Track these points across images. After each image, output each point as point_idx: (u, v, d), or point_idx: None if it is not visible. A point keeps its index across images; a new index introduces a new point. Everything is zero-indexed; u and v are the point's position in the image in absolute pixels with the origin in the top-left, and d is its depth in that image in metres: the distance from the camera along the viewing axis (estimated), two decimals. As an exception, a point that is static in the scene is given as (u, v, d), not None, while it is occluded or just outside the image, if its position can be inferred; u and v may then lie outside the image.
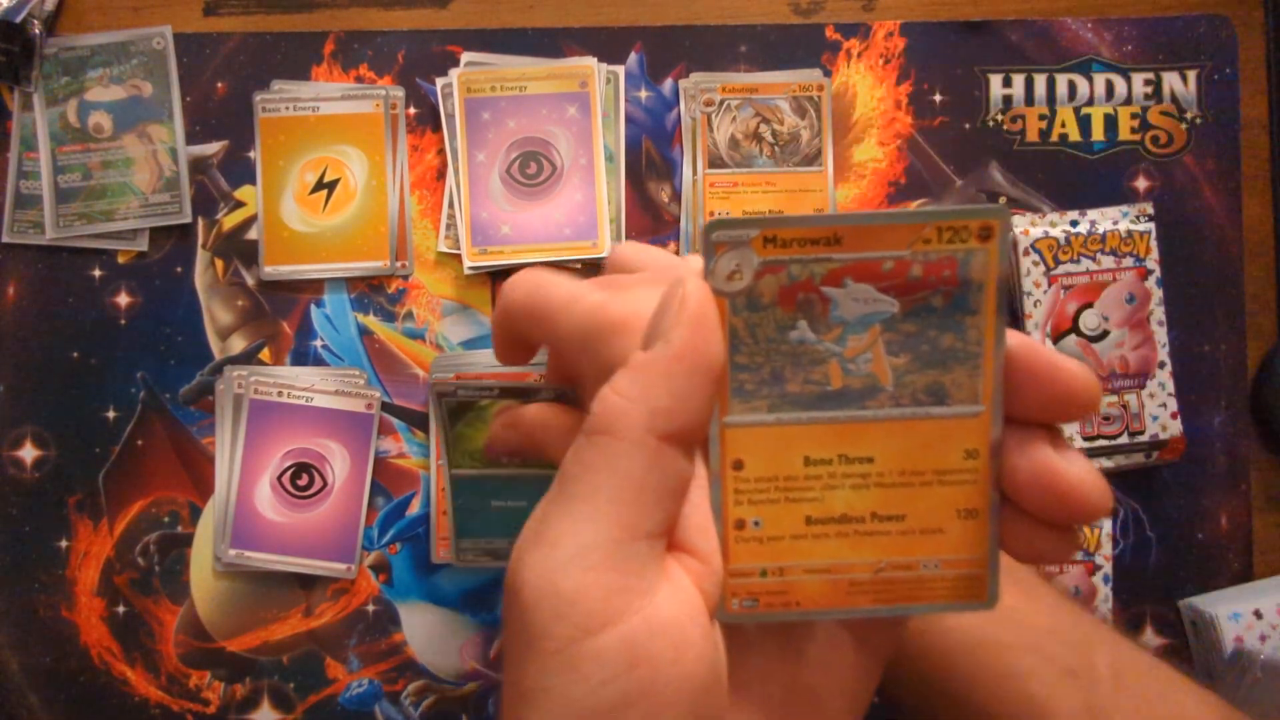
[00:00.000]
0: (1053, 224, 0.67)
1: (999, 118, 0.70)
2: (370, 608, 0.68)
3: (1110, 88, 0.70)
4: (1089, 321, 0.67)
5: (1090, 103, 0.70)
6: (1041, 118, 0.70)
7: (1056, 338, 0.67)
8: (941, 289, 0.24)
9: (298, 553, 0.67)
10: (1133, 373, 0.67)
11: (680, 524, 0.23)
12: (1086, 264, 0.67)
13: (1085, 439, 0.67)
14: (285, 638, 0.68)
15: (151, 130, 0.69)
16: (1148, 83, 0.70)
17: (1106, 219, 0.68)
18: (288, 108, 0.69)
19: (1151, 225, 0.68)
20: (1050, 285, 0.67)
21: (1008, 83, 0.70)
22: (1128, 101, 0.70)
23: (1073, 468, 0.23)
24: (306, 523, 0.67)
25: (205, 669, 0.68)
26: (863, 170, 0.70)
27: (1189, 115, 0.70)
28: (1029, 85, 0.70)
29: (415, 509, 0.68)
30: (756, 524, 0.24)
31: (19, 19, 0.66)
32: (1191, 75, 0.70)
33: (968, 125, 0.70)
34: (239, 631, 0.68)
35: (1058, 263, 0.67)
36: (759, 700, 0.25)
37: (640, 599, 0.22)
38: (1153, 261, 0.67)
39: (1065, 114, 0.70)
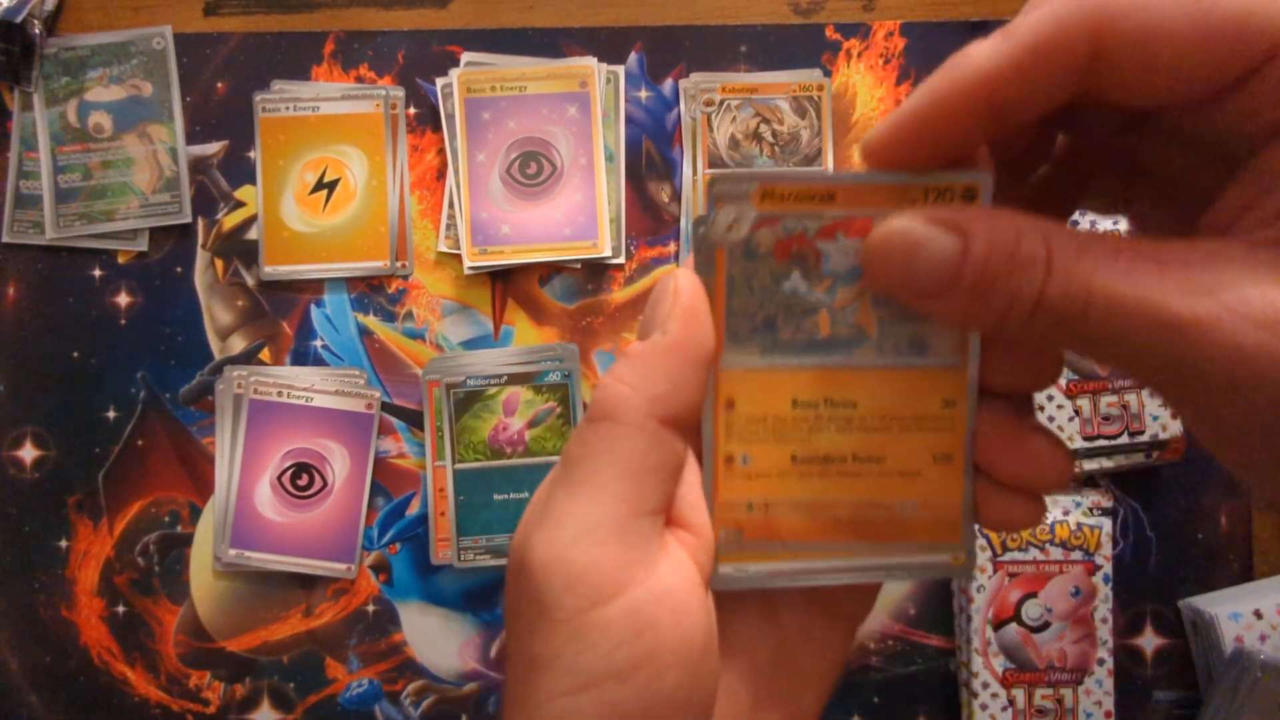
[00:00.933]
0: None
1: (999, 118, 0.70)
2: (370, 608, 0.68)
3: (1110, 88, 0.70)
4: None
5: (1090, 103, 0.70)
6: (1041, 118, 0.70)
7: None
8: None
9: (298, 553, 0.67)
10: (1133, 373, 0.67)
11: (675, 502, 0.25)
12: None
13: (1086, 439, 0.67)
14: (285, 638, 0.68)
15: (151, 130, 0.69)
16: (1148, 83, 0.70)
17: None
18: (288, 108, 0.69)
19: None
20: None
21: (1008, 83, 0.70)
22: (1128, 101, 0.70)
23: (1037, 435, 0.25)
24: (306, 523, 0.67)
25: (205, 669, 0.68)
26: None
27: (1189, 115, 0.70)
28: (1029, 85, 0.70)
29: (415, 509, 0.68)
30: (745, 460, 0.26)
31: (19, 19, 0.66)
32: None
33: (968, 125, 0.70)
34: (239, 631, 0.68)
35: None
36: (746, 664, 0.27)
37: (643, 571, 0.23)
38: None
39: (1065, 114, 0.70)
